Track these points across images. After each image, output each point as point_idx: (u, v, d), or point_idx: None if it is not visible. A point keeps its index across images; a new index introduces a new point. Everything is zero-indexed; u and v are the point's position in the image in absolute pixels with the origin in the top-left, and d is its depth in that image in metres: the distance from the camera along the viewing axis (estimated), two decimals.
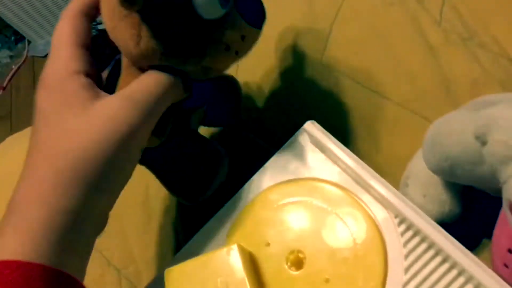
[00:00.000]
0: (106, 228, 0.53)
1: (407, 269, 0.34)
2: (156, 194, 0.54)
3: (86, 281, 0.51)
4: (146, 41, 0.32)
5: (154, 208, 0.54)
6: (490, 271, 0.32)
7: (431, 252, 0.34)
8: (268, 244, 0.38)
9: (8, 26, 2.09)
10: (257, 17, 0.37)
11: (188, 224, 0.51)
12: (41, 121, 0.33)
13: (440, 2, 0.51)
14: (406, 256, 0.35)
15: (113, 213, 0.54)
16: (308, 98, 0.52)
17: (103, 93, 0.34)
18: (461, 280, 0.33)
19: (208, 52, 0.35)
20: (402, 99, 0.47)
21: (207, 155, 0.44)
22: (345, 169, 0.39)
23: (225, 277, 0.36)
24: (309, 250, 0.37)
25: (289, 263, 0.37)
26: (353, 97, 0.50)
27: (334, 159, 0.40)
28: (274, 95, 0.53)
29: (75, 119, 0.32)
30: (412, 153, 0.44)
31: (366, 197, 0.38)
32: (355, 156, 0.39)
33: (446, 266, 0.34)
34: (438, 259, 0.34)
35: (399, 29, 0.51)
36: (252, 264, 0.37)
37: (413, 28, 0.50)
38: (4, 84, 2.10)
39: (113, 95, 0.34)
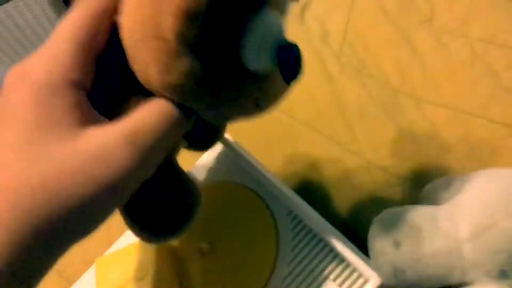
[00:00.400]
0: None
1: (293, 248, 0.43)
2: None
3: None
4: (176, 76, 0.26)
5: None
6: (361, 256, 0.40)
7: (312, 233, 0.43)
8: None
9: None
10: (294, 74, 0.33)
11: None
12: (11, 128, 0.24)
13: (341, 39, 0.62)
14: (293, 237, 0.43)
15: None
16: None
17: (98, 117, 0.27)
18: (332, 254, 0.41)
19: (237, 103, 0.30)
20: (306, 119, 0.57)
21: (183, 193, 0.36)
22: (255, 176, 0.47)
23: (146, 263, 0.43)
24: (216, 239, 0.45)
25: (199, 250, 0.44)
26: (266, 117, 0.58)
27: (246, 167, 0.47)
28: None
29: (59, 144, 0.24)
30: (314, 161, 0.53)
31: (268, 196, 0.46)
32: (261, 165, 0.46)
33: (323, 243, 0.42)
34: (317, 238, 0.42)
35: (307, 63, 0.60)
36: (169, 251, 0.44)
37: (318, 62, 0.60)
38: None
39: (110, 128, 0.26)
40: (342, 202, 0.52)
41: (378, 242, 0.36)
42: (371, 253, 0.37)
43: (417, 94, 0.56)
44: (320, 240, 0.42)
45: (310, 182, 0.54)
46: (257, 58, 0.28)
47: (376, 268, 0.37)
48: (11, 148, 0.24)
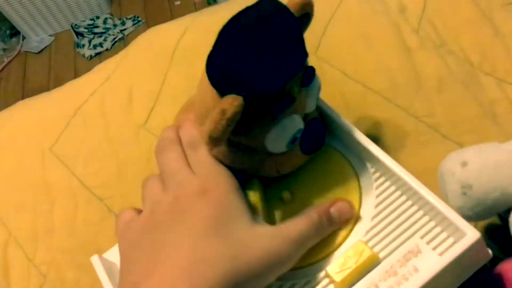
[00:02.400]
0: (111, 181, 0.60)
1: (377, 205, 0.41)
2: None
3: (87, 226, 0.57)
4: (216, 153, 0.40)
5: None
6: (446, 206, 0.39)
7: (397, 193, 0.41)
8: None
9: (5, 20, 2.14)
10: (314, 149, 0.43)
11: None
12: (198, 229, 0.33)
13: (419, 14, 0.61)
14: (377, 196, 0.42)
15: (116, 168, 0.60)
16: None
17: (259, 217, 0.38)
18: (419, 213, 0.40)
19: (261, 172, 0.42)
20: (380, 89, 0.56)
21: None
22: (339, 134, 0.46)
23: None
24: (298, 190, 0.44)
25: (281, 199, 0.44)
26: (340, 86, 0.58)
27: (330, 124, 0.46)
28: None
29: (242, 232, 0.34)
30: (386, 132, 0.52)
31: (350, 153, 0.45)
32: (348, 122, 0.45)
33: (409, 203, 0.41)
34: (403, 198, 0.41)
35: (382, 33, 0.60)
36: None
37: (394, 33, 0.59)
38: None
39: (271, 228, 0.37)
40: (417, 176, 0.50)
41: (448, 164, 0.39)
42: (441, 178, 0.40)
43: (498, 74, 0.55)
44: (408, 198, 0.41)
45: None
46: (275, 147, 0.39)
47: (445, 190, 0.39)
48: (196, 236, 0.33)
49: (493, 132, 0.50)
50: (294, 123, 0.39)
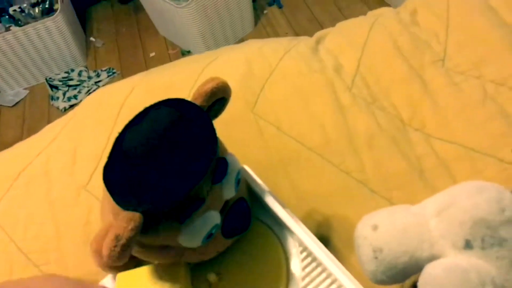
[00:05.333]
0: (48, 246, 0.59)
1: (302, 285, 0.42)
2: (96, 219, 0.60)
3: None
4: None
5: (94, 231, 0.60)
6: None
7: (322, 274, 0.42)
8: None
9: None
10: (237, 233, 0.43)
11: None
12: None
13: (353, 73, 0.63)
14: (304, 278, 0.43)
15: (55, 232, 0.59)
16: (239, 142, 0.60)
17: None
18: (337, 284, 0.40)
19: (183, 260, 0.43)
20: (313, 145, 0.57)
21: None
22: (269, 209, 0.46)
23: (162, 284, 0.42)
24: (225, 270, 0.44)
25: (207, 281, 0.44)
26: (275, 142, 0.58)
27: (260, 200, 0.46)
28: None
29: None
30: (316, 188, 0.52)
31: (281, 232, 0.45)
32: (276, 199, 0.45)
33: (329, 282, 0.42)
34: (324, 276, 0.42)
35: (317, 90, 0.61)
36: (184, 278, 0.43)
37: (329, 91, 0.61)
38: None
39: None
40: (345, 231, 0.51)
41: (360, 228, 0.40)
42: (356, 242, 0.40)
43: (427, 130, 0.56)
44: (329, 277, 0.41)
45: (315, 210, 0.53)
46: (190, 245, 0.39)
47: (359, 254, 0.39)
48: None
49: (420, 187, 0.51)
50: (208, 222, 0.38)
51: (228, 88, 0.41)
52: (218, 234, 0.41)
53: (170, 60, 2.19)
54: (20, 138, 2.05)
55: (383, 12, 0.74)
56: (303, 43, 0.71)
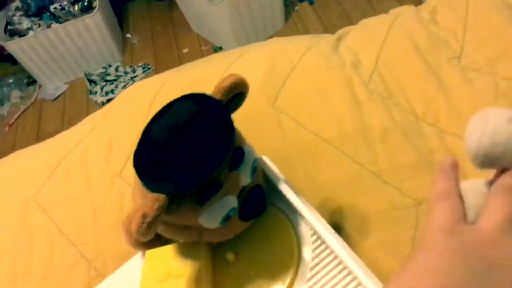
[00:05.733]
0: (83, 225, 0.64)
1: (312, 268, 0.45)
2: (128, 203, 0.65)
3: (61, 270, 0.61)
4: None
5: (128, 209, 0.65)
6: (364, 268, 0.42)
7: (333, 261, 0.45)
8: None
9: (23, 69, 2.27)
10: (253, 216, 0.47)
11: None
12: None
13: (371, 69, 0.66)
14: (314, 258, 0.46)
15: (91, 215, 0.65)
16: (260, 134, 0.64)
17: None
18: (348, 278, 0.44)
19: (202, 240, 0.47)
20: (329, 137, 0.60)
21: None
22: (283, 196, 0.50)
23: (185, 264, 0.47)
24: (242, 251, 0.48)
25: (226, 260, 0.48)
26: (294, 135, 0.62)
27: (275, 186, 0.50)
28: None
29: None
30: (332, 177, 0.56)
31: (295, 218, 0.49)
32: (291, 187, 0.49)
33: (340, 268, 0.44)
34: (335, 262, 0.45)
35: (335, 86, 0.65)
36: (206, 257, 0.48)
37: (346, 86, 0.64)
38: (11, 122, 2.24)
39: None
40: (357, 219, 0.54)
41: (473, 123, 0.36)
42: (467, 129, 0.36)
43: (440, 125, 0.58)
44: (340, 263, 0.44)
45: (329, 199, 0.56)
46: (209, 226, 0.43)
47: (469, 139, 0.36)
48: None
49: (430, 179, 0.53)
50: (225, 205, 0.43)
51: (246, 84, 0.45)
52: (236, 217, 0.45)
53: (203, 56, 2.24)
54: (60, 130, 2.14)
55: (404, 10, 0.76)
56: (325, 40, 0.75)
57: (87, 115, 0.85)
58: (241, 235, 0.48)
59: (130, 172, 0.69)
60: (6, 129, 2.23)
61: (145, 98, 0.77)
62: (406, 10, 0.76)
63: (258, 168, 0.48)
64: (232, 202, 0.44)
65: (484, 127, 0.35)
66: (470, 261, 0.30)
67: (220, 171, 0.42)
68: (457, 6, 0.70)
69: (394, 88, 0.63)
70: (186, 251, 0.48)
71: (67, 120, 2.14)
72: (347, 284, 0.43)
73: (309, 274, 0.45)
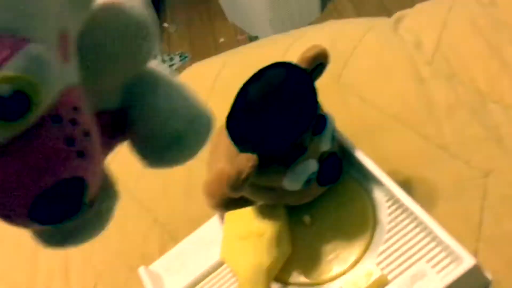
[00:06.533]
0: (155, 192, 0.68)
1: (388, 231, 0.47)
2: (196, 176, 0.68)
3: (135, 234, 0.65)
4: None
5: (194, 184, 0.68)
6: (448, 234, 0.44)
7: (407, 221, 0.47)
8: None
9: None
10: (330, 182, 0.50)
11: None
12: None
13: (433, 48, 0.67)
14: (389, 222, 0.48)
15: (162, 184, 0.69)
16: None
17: None
18: (426, 240, 0.45)
19: (282, 202, 0.50)
20: (394, 113, 0.62)
21: None
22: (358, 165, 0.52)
23: (266, 224, 0.50)
24: (317, 214, 0.51)
25: (304, 221, 0.51)
26: (359, 111, 0.64)
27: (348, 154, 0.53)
28: None
29: None
30: (398, 151, 0.58)
31: (368, 185, 0.52)
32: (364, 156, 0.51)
33: (417, 230, 0.46)
34: (412, 225, 0.47)
35: (398, 64, 0.67)
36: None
37: (409, 65, 0.66)
38: None
39: None
40: (425, 191, 0.56)
41: None
42: None
43: (505, 102, 0.60)
44: (417, 226, 0.46)
45: (396, 172, 0.58)
46: (291, 188, 0.46)
47: None
48: None
49: (497, 152, 0.55)
50: (308, 168, 0.46)
51: (328, 55, 0.47)
52: (314, 182, 0.48)
53: (239, 45, 2.27)
54: None
55: None
56: (383, 22, 0.77)
57: None
58: (317, 199, 0.51)
59: None
60: None
61: (206, 77, 0.81)
62: None
63: (335, 137, 0.51)
64: (314, 165, 0.47)
65: None
66: None
67: (306, 135, 0.45)
68: None
69: (457, 67, 0.64)
70: (265, 212, 0.51)
71: None
72: (425, 245, 0.45)
73: (386, 236, 0.47)
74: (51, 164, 0.23)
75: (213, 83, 0.79)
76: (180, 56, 2.32)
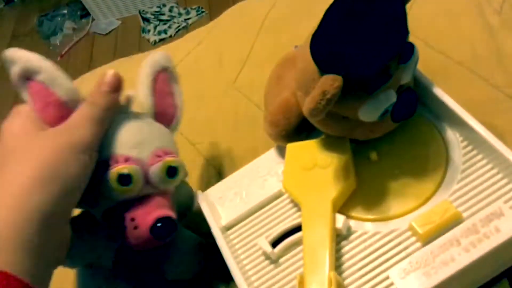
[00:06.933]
0: (199, 128, 0.66)
1: (463, 170, 0.45)
2: (243, 111, 0.66)
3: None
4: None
5: (242, 119, 0.66)
6: None
7: (484, 161, 0.45)
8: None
9: (76, 1, 2.27)
10: (404, 117, 0.47)
11: None
12: None
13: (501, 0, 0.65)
14: (464, 162, 0.46)
15: (206, 117, 0.66)
16: None
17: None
18: (505, 181, 0.43)
19: (351, 136, 0.48)
20: (461, 60, 0.60)
21: None
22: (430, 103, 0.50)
23: (331, 156, 0.48)
24: (384, 151, 0.49)
25: (370, 157, 0.49)
26: (422, 55, 0.62)
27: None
28: None
29: None
30: (464, 99, 0.56)
31: (441, 124, 0.50)
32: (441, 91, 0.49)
33: (495, 171, 0.44)
34: (489, 165, 0.45)
35: (464, 10, 0.64)
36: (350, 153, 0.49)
37: (477, 12, 0.63)
38: (63, 53, 2.26)
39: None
40: None
41: None
42: None
43: None
44: (494, 167, 0.44)
45: None
46: (367, 118, 0.44)
47: None
48: None
49: None
50: (388, 98, 0.43)
51: None
52: (387, 116, 0.46)
53: None
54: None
55: None
56: None
57: (139, 52, 0.86)
58: (384, 137, 0.49)
59: (244, 84, 0.70)
60: (58, 58, 2.25)
61: (255, 15, 0.78)
62: None
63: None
64: (393, 96, 0.44)
65: None
66: None
67: (392, 62, 0.42)
68: None
69: None
70: (331, 145, 0.49)
71: (119, 56, 2.15)
72: (503, 185, 0.43)
73: (459, 176, 0.46)
74: None
75: (262, 20, 0.76)
76: (197, 11, 2.27)
